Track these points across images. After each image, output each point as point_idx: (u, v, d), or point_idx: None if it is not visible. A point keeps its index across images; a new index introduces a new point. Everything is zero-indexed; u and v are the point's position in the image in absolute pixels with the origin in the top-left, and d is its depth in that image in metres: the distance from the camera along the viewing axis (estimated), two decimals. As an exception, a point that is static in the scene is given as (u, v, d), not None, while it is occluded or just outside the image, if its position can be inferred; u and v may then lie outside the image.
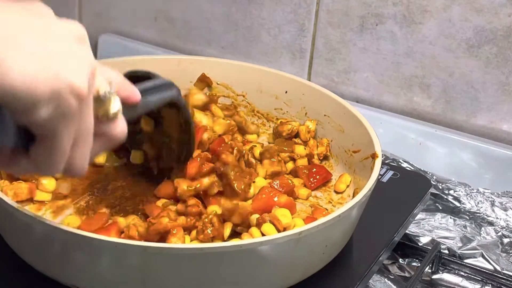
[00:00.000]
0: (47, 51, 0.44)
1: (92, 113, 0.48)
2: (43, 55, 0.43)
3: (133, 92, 0.57)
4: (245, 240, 0.61)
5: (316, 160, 0.84)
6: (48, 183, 0.75)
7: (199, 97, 0.88)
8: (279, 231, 0.68)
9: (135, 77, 0.70)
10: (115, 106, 0.51)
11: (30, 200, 0.74)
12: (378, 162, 0.72)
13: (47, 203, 0.75)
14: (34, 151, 0.47)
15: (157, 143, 0.79)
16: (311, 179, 0.81)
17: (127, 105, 0.56)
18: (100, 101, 0.50)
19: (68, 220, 0.70)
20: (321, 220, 0.62)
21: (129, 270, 0.60)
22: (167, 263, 0.58)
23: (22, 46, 0.43)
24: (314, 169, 0.82)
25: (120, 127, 0.53)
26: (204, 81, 0.92)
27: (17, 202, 0.71)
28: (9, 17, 0.44)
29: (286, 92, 0.90)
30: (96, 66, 0.48)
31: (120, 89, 0.55)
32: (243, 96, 0.92)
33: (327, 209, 0.76)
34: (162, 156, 0.79)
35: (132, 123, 0.62)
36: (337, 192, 0.81)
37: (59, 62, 0.44)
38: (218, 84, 0.92)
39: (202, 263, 0.58)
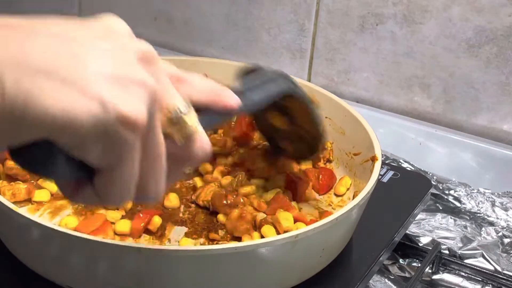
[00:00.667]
0: (93, 78, 0.39)
1: (160, 137, 0.43)
2: (87, 83, 0.38)
3: (228, 98, 0.51)
4: (241, 242, 0.61)
5: (321, 163, 0.84)
6: (48, 184, 0.75)
7: None
8: (279, 234, 0.68)
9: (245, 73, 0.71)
10: (190, 125, 0.44)
11: (29, 200, 0.74)
12: (378, 165, 0.72)
13: (45, 203, 0.74)
14: (97, 182, 0.43)
15: (287, 134, 0.79)
16: (320, 182, 0.81)
17: (222, 111, 0.51)
18: (172, 121, 0.44)
19: (65, 221, 0.70)
20: (318, 223, 0.61)
21: (124, 272, 0.59)
22: (162, 264, 0.58)
23: (57, 71, 0.38)
24: (322, 173, 0.82)
25: (200, 145, 0.46)
26: None
27: (16, 202, 0.71)
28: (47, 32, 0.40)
29: None
30: (164, 87, 0.43)
31: (211, 95, 0.50)
32: (245, 97, 0.92)
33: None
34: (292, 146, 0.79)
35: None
36: (337, 195, 0.80)
37: (107, 92, 0.38)
38: None
39: (197, 265, 0.58)
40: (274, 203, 0.74)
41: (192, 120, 0.45)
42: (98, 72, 0.39)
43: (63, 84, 0.38)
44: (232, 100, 0.52)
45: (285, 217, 0.71)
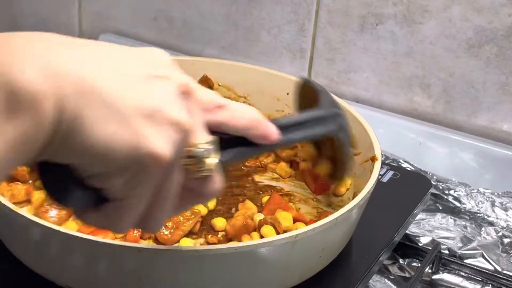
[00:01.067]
0: (133, 113, 0.40)
1: (178, 177, 0.44)
2: (129, 117, 0.40)
3: (269, 128, 0.53)
4: (240, 243, 0.61)
5: None
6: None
7: None
8: (278, 234, 0.68)
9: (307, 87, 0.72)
10: (208, 165, 0.45)
11: (28, 201, 0.74)
12: (377, 165, 0.71)
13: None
14: (104, 210, 0.44)
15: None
16: (317, 184, 0.81)
17: (259, 140, 0.52)
18: (192, 157, 0.45)
19: (67, 226, 0.70)
20: (317, 223, 0.61)
21: (124, 272, 0.59)
22: (162, 265, 0.58)
23: (107, 100, 0.39)
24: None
25: (214, 185, 0.47)
26: (206, 83, 0.92)
27: (15, 203, 0.71)
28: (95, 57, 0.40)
29: (287, 93, 0.89)
30: (196, 123, 0.44)
31: (252, 128, 0.51)
32: (245, 97, 0.92)
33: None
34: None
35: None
36: (336, 196, 0.80)
37: (143, 129, 0.40)
38: (219, 85, 0.92)
39: (197, 266, 0.58)
40: (271, 203, 0.74)
41: (212, 160, 0.46)
42: (142, 106, 0.40)
43: (113, 114, 0.39)
44: (273, 132, 0.53)
45: (284, 217, 0.71)
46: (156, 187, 0.43)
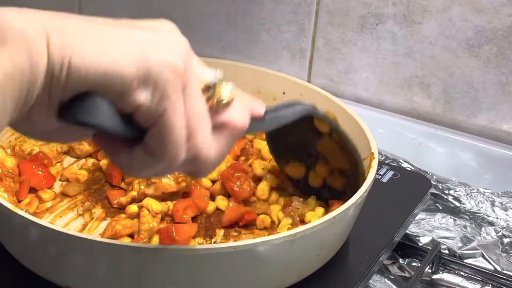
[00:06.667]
0: (133, 37, 0.43)
1: (199, 95, 0.46)
2: (128, 40, 0.42)
3: (256, 105, 0.54)
4: (239, 241, 0.61)
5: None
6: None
7: None
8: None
9: None
10: (226, 91, 0.48)
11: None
12: (375, 163, 0.71)
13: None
14: (148, 139, 0.45)
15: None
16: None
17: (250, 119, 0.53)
18: (209, 90, 0.47)
19: None
20: (315, 222, 0.61)
21: (123, 271, 0.59)
22: (161, 264, 0.58)
23: (102, 36, 0.42)
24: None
25: (239, 114, 0.49)
26: None
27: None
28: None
29: (284, 93, 0.89)
30: (193, 55, 0.47)
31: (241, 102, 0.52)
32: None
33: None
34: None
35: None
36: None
37: (146, 46, 0.43)
38: None
39: (196, 265, 0.58)
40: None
41: (228, 87, 0.48)
42: (139, 25, 0.44)
43: (109, 37, 0.42)
44: (259, 110, 0.55)
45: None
46: (183, 106, 0.44)
